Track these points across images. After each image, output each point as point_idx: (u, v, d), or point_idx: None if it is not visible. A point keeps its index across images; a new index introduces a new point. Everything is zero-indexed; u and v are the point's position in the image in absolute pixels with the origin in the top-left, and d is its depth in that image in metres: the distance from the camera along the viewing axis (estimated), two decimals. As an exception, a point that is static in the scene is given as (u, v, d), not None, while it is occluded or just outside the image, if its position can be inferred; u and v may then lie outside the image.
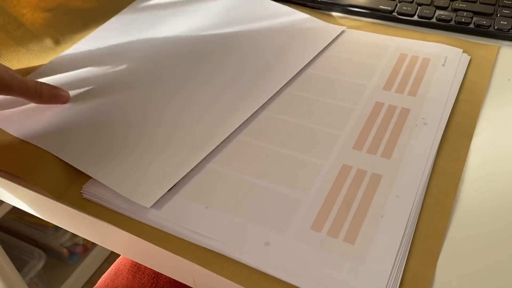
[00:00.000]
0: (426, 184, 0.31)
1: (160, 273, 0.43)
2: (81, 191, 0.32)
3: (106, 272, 0.47)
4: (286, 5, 0.52)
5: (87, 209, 0.31)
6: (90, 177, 0.32)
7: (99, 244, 0.33)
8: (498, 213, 0.30)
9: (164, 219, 0.30)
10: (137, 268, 0.44)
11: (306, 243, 0.28)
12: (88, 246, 1.11)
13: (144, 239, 0.29)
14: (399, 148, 0.34)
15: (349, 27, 0.48)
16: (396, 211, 0.30)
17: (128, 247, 0.31)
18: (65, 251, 1.07)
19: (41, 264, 0.98)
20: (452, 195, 0.31)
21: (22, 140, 0.34)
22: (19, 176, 0.32)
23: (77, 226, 0.33)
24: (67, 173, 0.32)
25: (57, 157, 0.33)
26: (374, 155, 0.34)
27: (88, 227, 0.32)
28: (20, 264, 0.93)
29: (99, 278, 0.46)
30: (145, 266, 0.44)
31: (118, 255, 1.19)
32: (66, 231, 1.05)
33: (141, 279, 0.43)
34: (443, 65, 0.42)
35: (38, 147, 0.33)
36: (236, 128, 0.36)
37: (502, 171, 0.32)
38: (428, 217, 0.30)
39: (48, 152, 0.33)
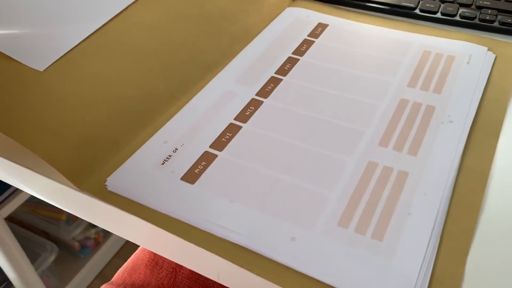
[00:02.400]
0: (453, 182, 0.31)
1: (179, 268, 0.43)
2: (105, 184, 0.32)
3: (122, 267, 0.47)
4: (308, 1, 0.51)
5: (109, 200, 0.31)
6: (114, 168, 0.32)
7: (122, 236, 0.33)
8: (528, 213, 0.29)
9: (189, 212, 0.29)
10: (154, 263, 0.44)
11: (333, 240, 0.28)
12: (99, 240, 1.12)
13: (170, 231, 0.29)
14: (426, 146, 0.33)
15: (370, 23, 0.48)
16: (424, 208, 0.29)
17: (152, 240, 0.31)
18: (76, 244, 1.07)
19: (53, 257, 0.99)
20: (480, 193, 0.30)
21: (45, 128, 0.34)
22: (40, 157, 0.31)
23: (99, 217, 0.33)
24: (87, 161, 0.32)
25: (77, 143, 0.33)
26: (400, 152, 0.33)
27: (110, 218, 0.32)
28: (32, 256, 0.93)
29: (110, 272, 0.46)
30: (163, 261, 0.44)
31: (129, 250, 1.20)
32: (78, 224, 1.06)
33: (159, 273, 0.43)
34: (468, 63, 0.41)
35: (58, 131, 0.33)
36: (261, 124, 0.36)
37: (532, 171, 0.32)
38: (456, 216, 0.29)
39: (69, 139, 0.33)
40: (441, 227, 0.28)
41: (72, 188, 0.32)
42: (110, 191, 0.31)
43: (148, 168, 0.33)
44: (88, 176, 0.32)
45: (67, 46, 0.37)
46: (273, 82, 0.40)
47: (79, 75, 0.35)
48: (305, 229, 0.28)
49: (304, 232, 0.28)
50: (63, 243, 1.06)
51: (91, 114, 0.34)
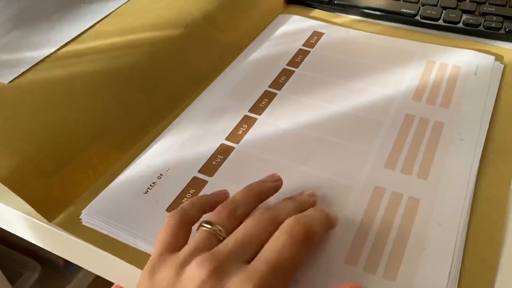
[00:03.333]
0: (469, 210, 0.28)
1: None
2: (80, 217, 0.28)
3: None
4: (301, 7, 0.48)
5: (84, 235, 0.27)
6: (91, 198, 0.29)
7: (98, 274, 0.29)
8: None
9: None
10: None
11: (340, 280, 0.24)
12: (84, 256, 1.07)
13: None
14: (436, 168, 0.30)
15: (369, 31, 0.45)
16: (440, 241, 0.26)
17: (132, 280, 0.27)
18: (60, 261, 1.03)
19: (35, 276, 0.95)
20: (500, 223, 0.27)
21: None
22: (5, 185, 0.28)
23: (73, 253, 0.30)
24: (60, 190, 0.29)
25: (48, 169, 0.29)
26: (410, 175, 0.30)
27: (85, 255, 0.28)
28: (14, 276, 0.89)
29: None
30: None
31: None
32: (62, 240, 1.01)
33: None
34: (475, 74, 0.38)
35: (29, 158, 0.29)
36: (255, 144, 0.33)
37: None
38: (475, 249, 0.26)
39: (39, 164, 0.29)
40: (460, 263, 0.25)
41: (42, 222, 0.28)
42: (85, 226, 0.28)
43: (129, 197, 0.29)
44: (61, 208, 0.29)
45: (37, 56, 0.33)
46: (267, 97, 0.37)
47: (50, 89, 0.32)
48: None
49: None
50: (46, 260, 1.02)
51: (64, 135, 0.30)
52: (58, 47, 0.34)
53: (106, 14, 0.38)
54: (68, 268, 1.04)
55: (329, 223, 0.26)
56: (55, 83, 0.32)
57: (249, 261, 0.22)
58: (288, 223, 0.23)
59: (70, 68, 0.33)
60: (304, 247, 0.23)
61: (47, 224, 0.28)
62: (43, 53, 0.34)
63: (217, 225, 0.24)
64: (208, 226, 0.24)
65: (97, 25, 0.37)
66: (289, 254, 0.22)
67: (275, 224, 0.24)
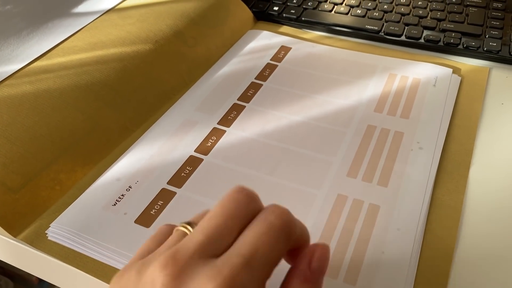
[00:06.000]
0: (426, 217, 0.29)
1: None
2: (46, 231, 0.28)
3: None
4: (270, 24, 0.50)
5: (51, 250, 0.27)
6: (58, 213, 0.29)
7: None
8: (506, 252, 0.28)
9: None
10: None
11: (303, 286, 0.25)
12: (58, 273, 1.05)
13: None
14: (396, 176, 0.32)
15: (335, 47, 0.46)
16: (398, 246, 0.27)
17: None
18: (34, 278, 1.01)
19: (7, 294, 0.92)
20: (453, 231, 0.29)
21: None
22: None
23: (41, 269, 0.30)
24: (26, 205, 0.29)
25: (14, 185, 0.29)
26: (370, 183, 0.31)
27: (53, 270, 0.28)
28: (-16, 295, 0.87)
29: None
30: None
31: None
32: (35, 257, 0.99)
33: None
34: (434, 85, 0.40)
35: None
36: (223, 156, 0.34)
37: (505, 204, 0.31)
38: (429, 257, 0.27)
39: (5, 179, 0.29)
40: (415, 268, 0.26)
41: (7, 237, 0.28)
42: (51, 240, 0.28)
43: (97, 210, 0.29)
44: (26, 223, 0.29)
45: (4, 72, 0.33)
46: (236, 110, 0.38)
47: (17, 105, 0.32)
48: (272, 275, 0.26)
49: (271, 279, 0.25)
50: (19, 277, 1.00)
51: (31, 150, 0.30)
52: (26, 63, 0.35)
53: (76, 30, 0.39)
54: (41, 285, 1.02)
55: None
56: (22, 98, 0.32)
57: (220, 255, 0.19)
58: (267, 208, 0.20)
59: (38, 84, 0.33)
60: (284, 237, 0.19)
61: (12, 239, 0.28)
62: (11, 69, 0.34)
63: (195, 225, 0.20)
64: (187, 226, 0.20)
65: (67, 41, 0.38)
66: (266, 245, 0.18)
67: (249, 209, 0.20)
